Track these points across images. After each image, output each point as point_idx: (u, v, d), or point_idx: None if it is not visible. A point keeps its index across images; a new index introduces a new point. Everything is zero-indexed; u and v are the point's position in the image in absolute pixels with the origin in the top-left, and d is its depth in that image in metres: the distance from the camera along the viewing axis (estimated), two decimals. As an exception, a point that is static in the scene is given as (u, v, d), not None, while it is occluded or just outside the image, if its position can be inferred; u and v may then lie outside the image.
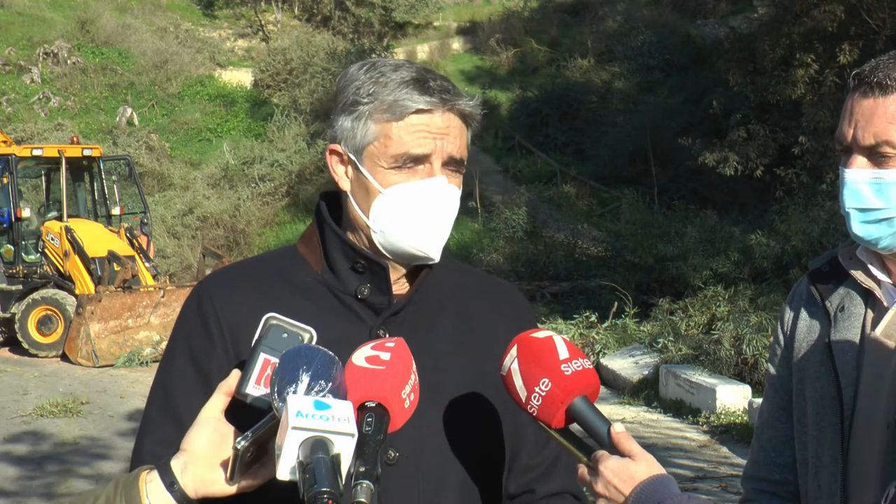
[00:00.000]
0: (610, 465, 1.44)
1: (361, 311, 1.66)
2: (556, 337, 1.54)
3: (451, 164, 1.64)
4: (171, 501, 1.41)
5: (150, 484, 1.41)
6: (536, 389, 1.49)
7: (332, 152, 1.69)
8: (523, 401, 1.51)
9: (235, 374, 1.45)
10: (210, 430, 1.44)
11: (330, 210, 1.72)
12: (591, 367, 1.52)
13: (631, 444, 1.45)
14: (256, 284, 1.68)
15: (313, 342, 1.47)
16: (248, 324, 1.61)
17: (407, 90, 1.60)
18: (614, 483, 1.43)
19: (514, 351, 1.53)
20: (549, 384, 1.48)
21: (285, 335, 1.47)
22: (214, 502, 1.45)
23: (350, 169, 1.67)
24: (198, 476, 1.42)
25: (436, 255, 1.65)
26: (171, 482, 1.41)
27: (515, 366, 1.52)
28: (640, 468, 1.43)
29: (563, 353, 1.51)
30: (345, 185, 1.68)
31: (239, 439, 1.37)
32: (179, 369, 1.64)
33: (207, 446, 1.43)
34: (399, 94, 1.60)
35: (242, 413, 1.43)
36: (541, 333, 1.55)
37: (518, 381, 1.51)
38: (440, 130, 1.61)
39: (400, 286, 1.70)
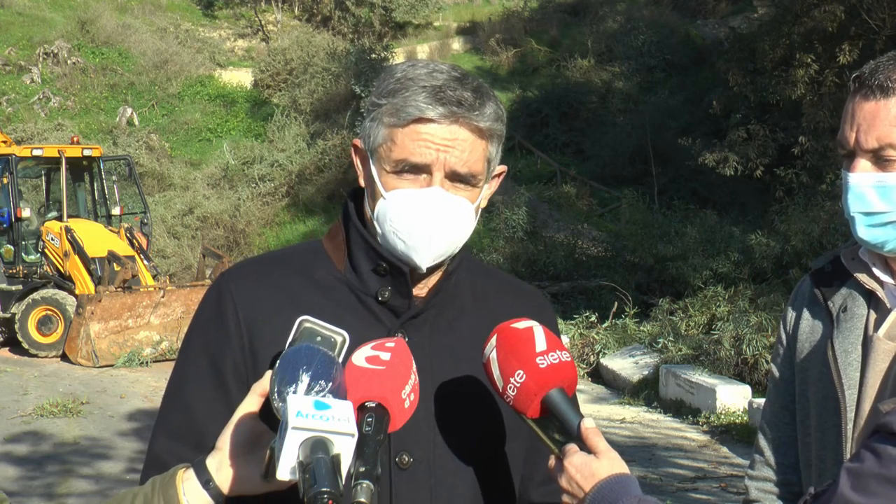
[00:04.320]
0: (574, 461, 1.45)
1: (381, 314, 1.65)
2: (538, 328, 1.54)
3: (455, 178, 1.59)
4: (208, 499, 1.44)
5: (187, 482, 1.44)
6: (512, 380, 1.49)
7: (356, 147, 1.68)
8: (500, 390, 1.52)
9: (269, 375, 1.44)
10: (244, 429, 1.46)
11: (355, 206, 1.71)
12: (570, 359, 1.52)
13: (598, 441, 1.45)
14: (278, 280, 1.67)
15: (346, 346, 1.48)
16: (265, 320, 1.62)
17: (420, 96, 1.56)
18: (576, 479, 1.44)
19: (493, 340, 1.54)
20: (524, 376, 1.48)
21: (319, 338, 1.48)
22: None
23: (366, 167, 1.66)
24: (233, 474, 1.44)
25: (423, 266, 1.61)
26: (206, 480, 1.44)
27: (494, 355, 1.53)
28: (603, 466, 1.43)
29: (541, 345, 1.51)
30: (362, 181, 1.68)
31: (276, 438, 1.37)
32: (193, 360, 1.65)
33: (242, 445, 1.45)
34: (410, 99, 1.56)
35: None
36: (522, 324, 1.55)
37: (496, 371, 1.52)
38: (444, 142, 1.57)
39: (421, 288, 1.68)
